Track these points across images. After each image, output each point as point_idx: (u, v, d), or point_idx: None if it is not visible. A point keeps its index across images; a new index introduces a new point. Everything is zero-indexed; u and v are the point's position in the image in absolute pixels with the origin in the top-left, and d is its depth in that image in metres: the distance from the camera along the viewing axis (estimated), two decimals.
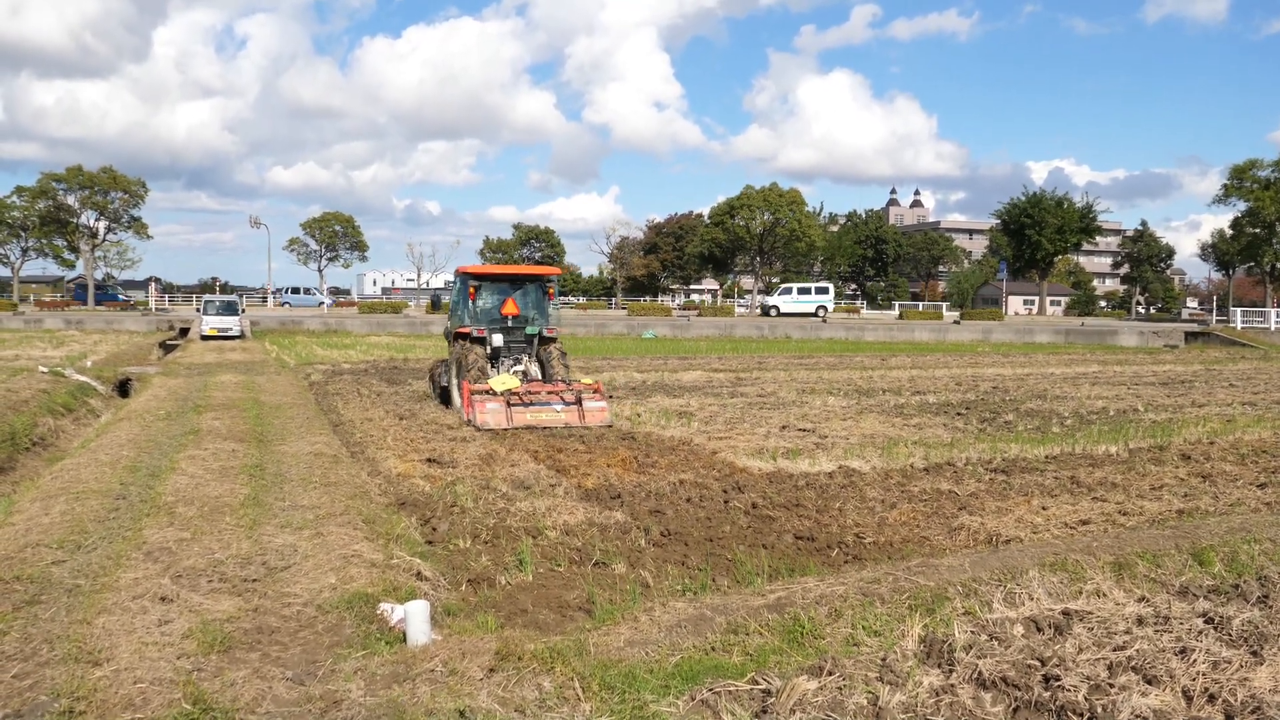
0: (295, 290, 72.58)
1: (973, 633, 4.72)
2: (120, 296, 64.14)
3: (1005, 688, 4.07)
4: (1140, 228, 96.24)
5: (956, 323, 52.38)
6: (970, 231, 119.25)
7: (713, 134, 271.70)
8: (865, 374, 23.34)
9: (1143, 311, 76.44)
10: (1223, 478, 9.81)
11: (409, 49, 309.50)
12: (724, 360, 27.83)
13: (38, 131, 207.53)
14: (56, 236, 61.02)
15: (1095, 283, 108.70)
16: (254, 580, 5.80)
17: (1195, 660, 4.28)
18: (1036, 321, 60.86)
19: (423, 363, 23.41)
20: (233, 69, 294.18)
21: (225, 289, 69.24)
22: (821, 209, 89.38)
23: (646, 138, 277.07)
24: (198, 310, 42.73)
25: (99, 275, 65.62)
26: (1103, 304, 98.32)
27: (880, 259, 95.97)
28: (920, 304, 76.33)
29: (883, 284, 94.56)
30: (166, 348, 34.44)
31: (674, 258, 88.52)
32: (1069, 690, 3.98)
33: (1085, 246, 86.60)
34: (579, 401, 13.57)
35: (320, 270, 74.30)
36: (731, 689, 4.11)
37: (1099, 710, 3.83)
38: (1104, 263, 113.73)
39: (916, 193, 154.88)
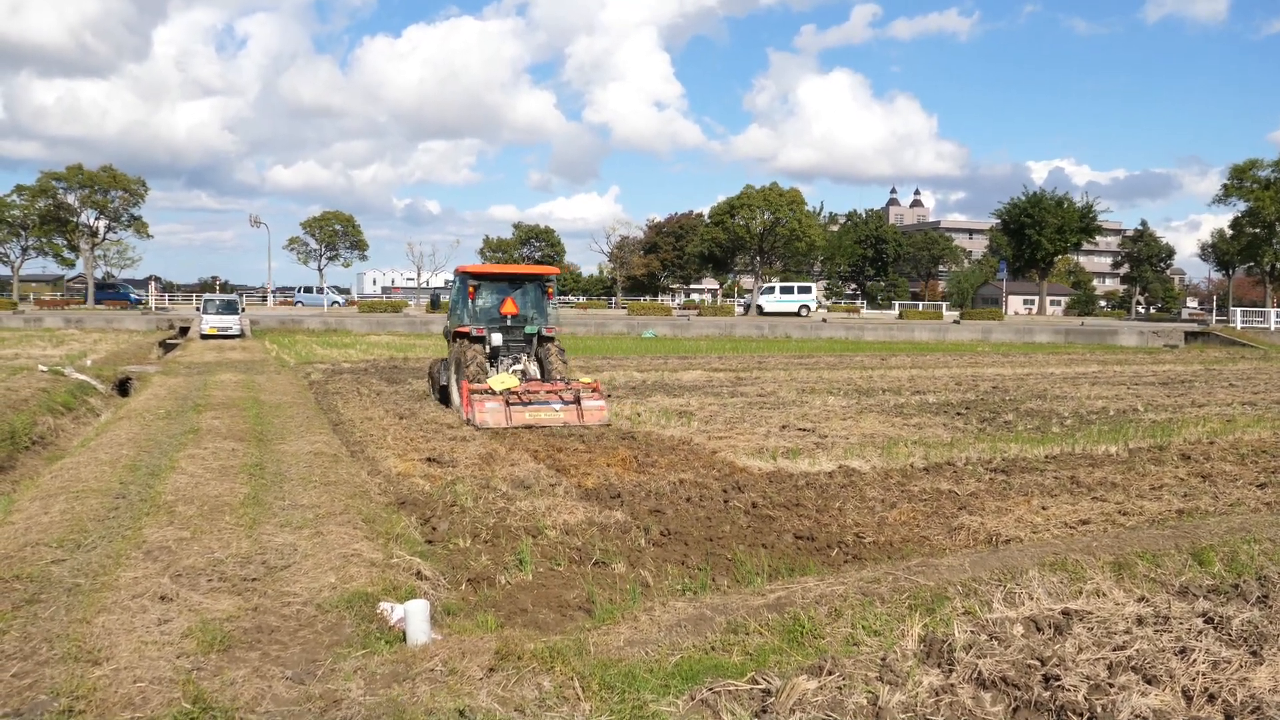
0: (308, 290, 72.76)
1: (972, 632, 4.72)
2: (132, 296, 63.86)
3: (1005, 687, 4.07)
4: (1140, 228, 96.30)
5: (956, 322, 52.38)
6: (970, 231, 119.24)
7: (713, 134, 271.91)
8: (865, 374, 23.34)
9: (1143, 311, 76.46)
10: (1222, 478, 9.81)
11: (409, 48, 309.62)
12: (724, 360, 27.83)
13: (38, 130, 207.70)
14: (56, 235, 61.04)
15: (1095, 282, 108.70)
16: (254, 579, 5.80)
17: (1195, 660, 4.28)
18: (1036, 321, 60.87)
19: (422, 362, 23.41)
20: (233, 68, 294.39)
21: (225, 288, 69.23)
22: (821, 209, 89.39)
23: (647, 137, 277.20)
24: (197, 309, 42.72)
25: (99, 274, 65.63)
26: (1103, 304, 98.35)
27: (880, 259, 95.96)
28: (920, 304, 76.35)
29: (883, 284, 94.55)
30: (166, 347, 34.45)
31: (674, 257, 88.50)
32: (1069, 690, 3.98)
33: (1085, 246, 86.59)
34: (578, 400, 13.59)
35: (320, 269, 74.33)
36: (731, 688, 4.11)
37: (1099, 710, 3.83)
38: (1104, 263, 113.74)
39: (916, 192, 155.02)
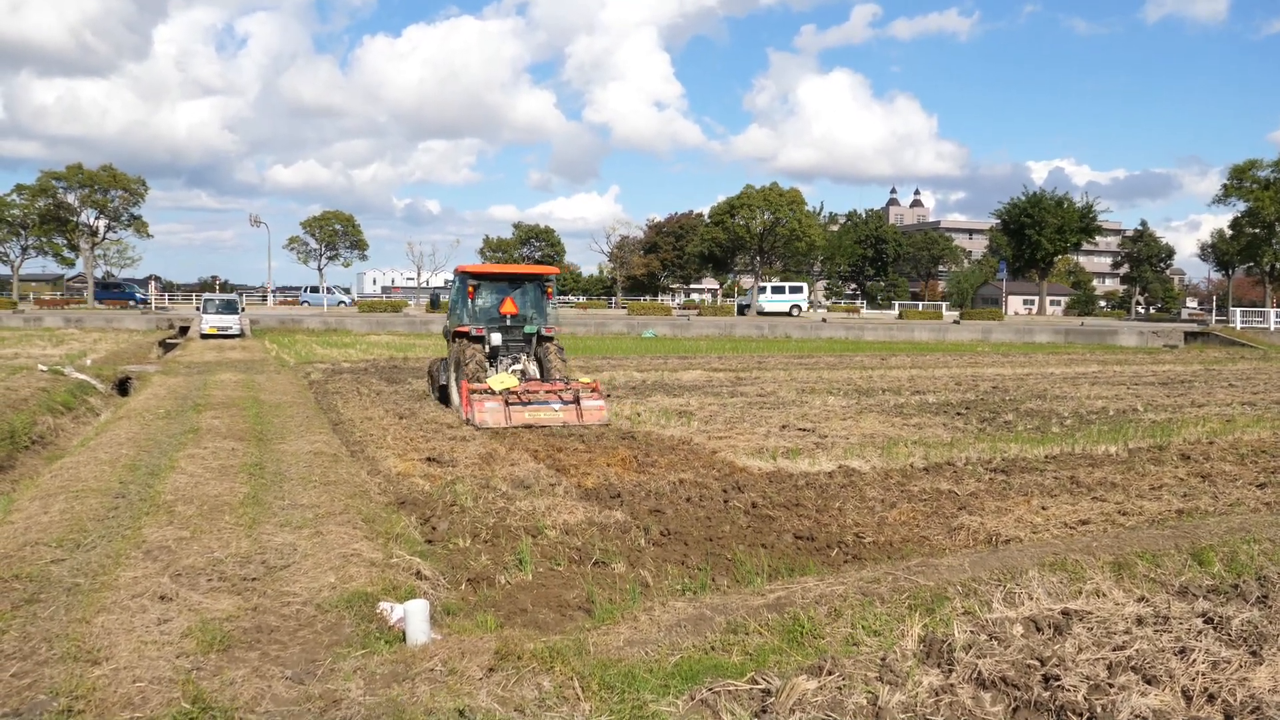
0: (315, 289, 72.86)
1: (972, 632, 4.72)
2: (138, 295, 63.77)
3: (1005, 687, 4.07)
4: (1140, 228, 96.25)
5: (956, 322, 52.39)
6: (970, 231, 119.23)
7: (713, 133, 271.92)
8: (865, 374, 23.34)
9: (1142, 311, 76.46)
10: (1222, 478, 9.81)
11: (409, 48, 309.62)
12: (724, 360, 27.83)
13: (38, 130, 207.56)
14: (56, 235, 61.04)
15: (1095, 283, 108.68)
16: (253, 579, 5.80)
17: (1195, 660, 4.28)
18: (1036, 321, 60.88)
19: (422, 362, 23.40)
20: (233, 68, 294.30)
21: (225, 287, 69.22)
22: (821, 209, 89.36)
23: (647, 137, 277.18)
24: (197, 309, 42.72)
25: (99, 273, 65.61)
26: (1102, 304, 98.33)
27: (880, 259, 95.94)
28: (920, 304, 76.36)
29: (883, 284, 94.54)
30: (166, 346, 34.44)
31: (674, 257, 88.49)
32: (1068, 690, 3.98)
33: (1085, 246, 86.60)
34: (577, 400, 13.60)
35: (320, 269, 74.32)
36: (731, 688, 4.11)
37: (1098, 710, 3.83)
38: (1104, 263, 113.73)
39: (916, 192, 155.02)
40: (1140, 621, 4.89)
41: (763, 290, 63.42)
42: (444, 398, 15.80)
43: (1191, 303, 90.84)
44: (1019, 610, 5.09)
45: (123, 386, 19.63)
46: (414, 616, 4.79)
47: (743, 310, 61.91)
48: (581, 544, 7.09)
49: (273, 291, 70.87)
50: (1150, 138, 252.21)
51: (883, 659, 4.37)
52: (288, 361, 24.69)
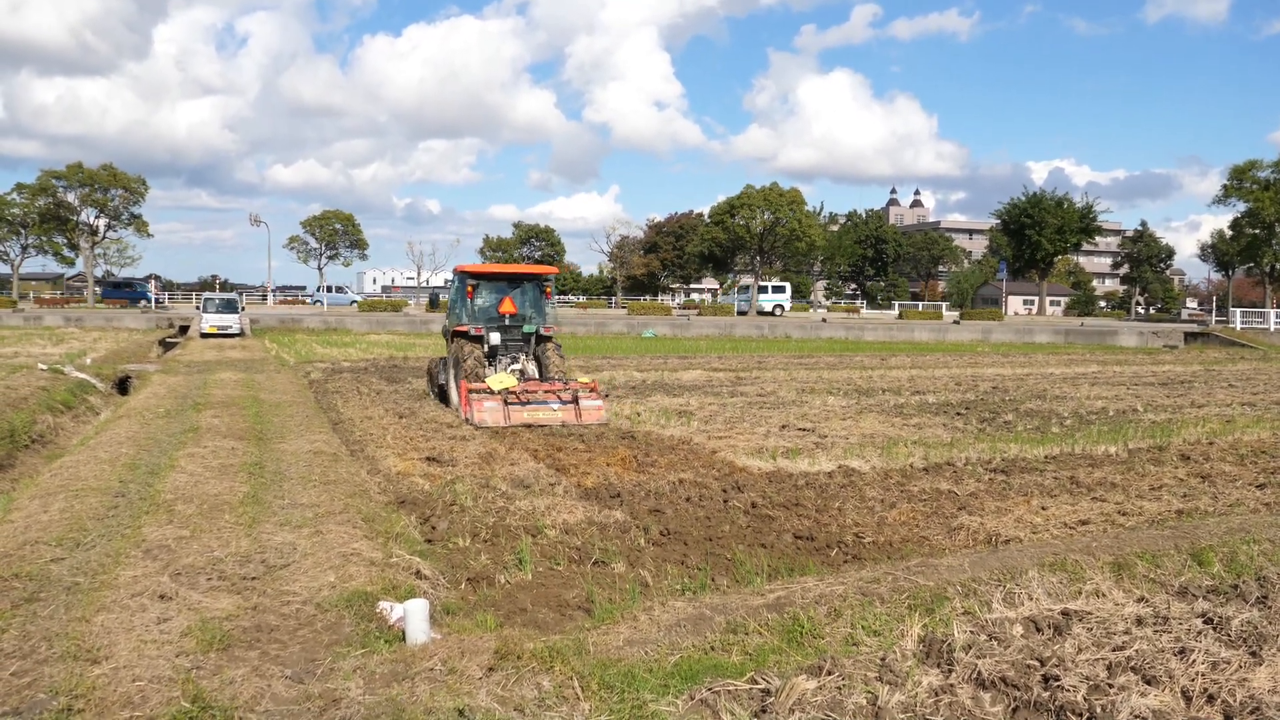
0: (329, 289, 73.12)
1: (972, 633, 4.72)
2: (150, 295, 63.63)
3: (1004, 688, 4.07)
4: (1140, 228, 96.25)
5: (956, 323, 52.39)
6: (970, 231, 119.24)
7: (713, 133, 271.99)
8: (865, 374, 23.34)
9: (1142, 312, 76.48)
10: (1222, 478, 9.81)
11: (409, 47, 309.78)
12: (724, 359, 27.83)
13: (38, 129, 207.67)
14: (56, 234, 61.01)
15: (1095, 283, 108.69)
16: (253, 578, 5.80)
17: (1194, 660, 4.28)
18: (1036, 322, 60.88)
19: (422, 361, 23.40)
20: (233, 67, 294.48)
21: (225, 287, 69.21)
22: (821, 209, 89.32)
23: (647, 137, 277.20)
24: (197, 308, 42.71)
25: (99, 272, 65.58)
26: (1102, 304, 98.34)
27: (880, 259, 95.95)
28: (920, 304, 76.37)
29: (883, 284, 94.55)
30: (166, 345, 34.44)
31: (674, 257, 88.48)
32: (1068, 690, 3.98)
33: (1085, 247, 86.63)
34: (575, 400, 13.61)
35: (320, 269, 74.33)
36: (731, 688, 4.11)
37: (1098, 710, 3.83)
38: (1104, 263, 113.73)
39: (916, 193, 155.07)
40: (1140, 622, 4.90)
41: (745, 290, 63.73)
42: (443, 397, 15.80)
43: (1191, 303, 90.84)
44: (1019, 610, 5.09)
45: (122, 385, 19.62)
46: (414, 616, 4.79)
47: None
48: (581, 544, 7.09)
49: (273, 291, 70.86)
50: (1150, 138, 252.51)
51: (882, 659, 4.37)
52: (287, 361, 24.69)
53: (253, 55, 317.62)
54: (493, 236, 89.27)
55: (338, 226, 73.59)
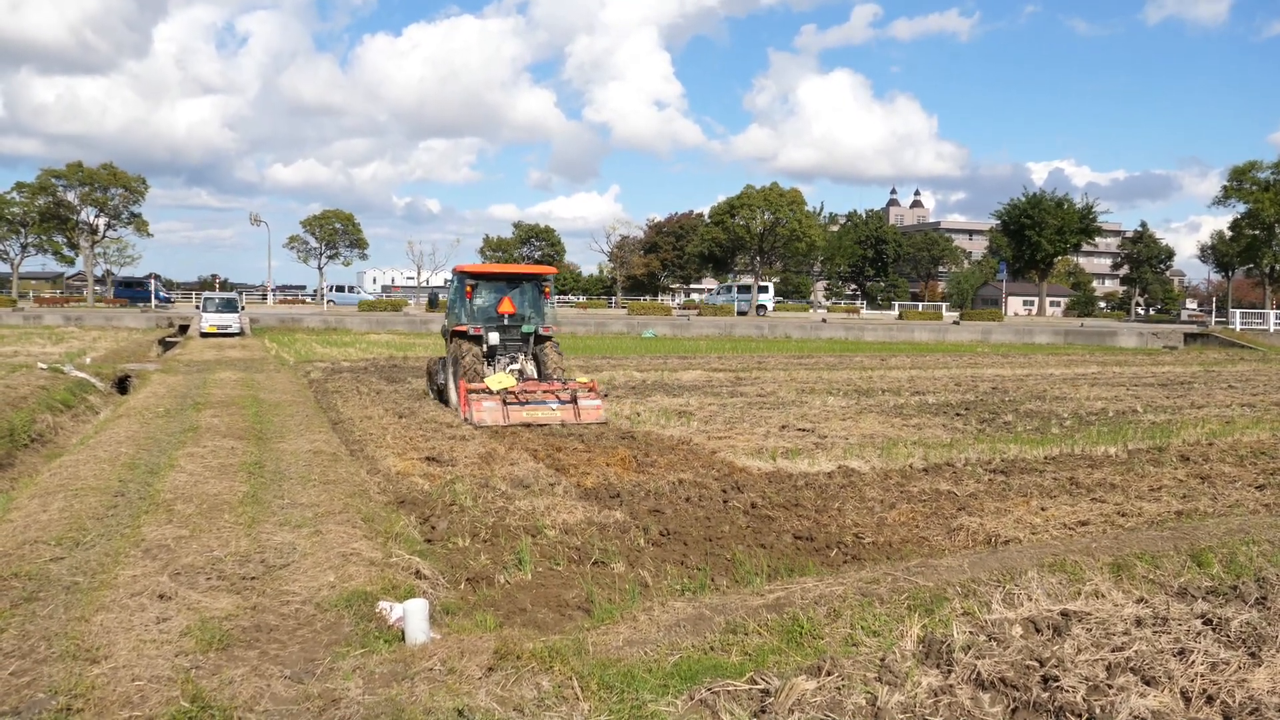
0: (340, 288, 73.38)
1: (971, 633, 4.72)
2: (162, 295, 63.47)
3: (1004, 688, 4.07)
4: (1140, 229, 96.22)
5: (956, 323, 52.40)
6: (970, 232, 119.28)
7: (713, 133, 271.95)
8: (865, 374, 23.34)
9: (1142, 313, 76.53)
10: (1221, 479, 9.81)
11: (409, 47, 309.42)
12: (723, 360, 27.84)
13: (38, 128, 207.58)
14: (56, 233, 61.04)
15: (1095, 284, 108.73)
16: (252, 578, 5.80)
17: (1193, 661, 4.28)
18: (1036, 322, 60.89)
19: (422, 360, 23.40)
20: (233, 66, 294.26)
21: (225, 286, 69.22)
22: (821, 209, 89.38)
23: (647, 137, 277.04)
24: (197, 307, 42.71)
25: (98, 271, 65.58)
26: (1102, 305, 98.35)
27: (880, 259, 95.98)
28: (920, 304, 76.39)
29: (882, 284, 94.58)
30: (166, 345, 34.44)
31: (674, 257, 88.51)
32: (1067, 691, 3.99)
33: (1085, 247, 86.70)
34: (574, 400, 13.63)
35: (320, 268, 74.33)
36: (730, 689, 4.11)
37: (1097, 711, 3.83)
38: (1103, 264, 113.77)
39: (916, 193, 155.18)
40: (1139, 622, 4.90)
41: (728, 290, 63.76)
42: (442, 397, 15.81)
43: (1191, 304, 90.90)
44: (1018, 611, 5.09)
45: (122, 385, 19.62)
46: (413, 616, 4.79)
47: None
48: (581, 544, 7.09)
49: (272, 290, 70.86)
50: (1150, 139, 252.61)
51: (882, 659, 4.37)
52: (287, 360, 24.69)
53: (253, 54, 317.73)
54: (493, 236, 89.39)
55: (337, 226, 73.61)
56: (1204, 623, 4.85)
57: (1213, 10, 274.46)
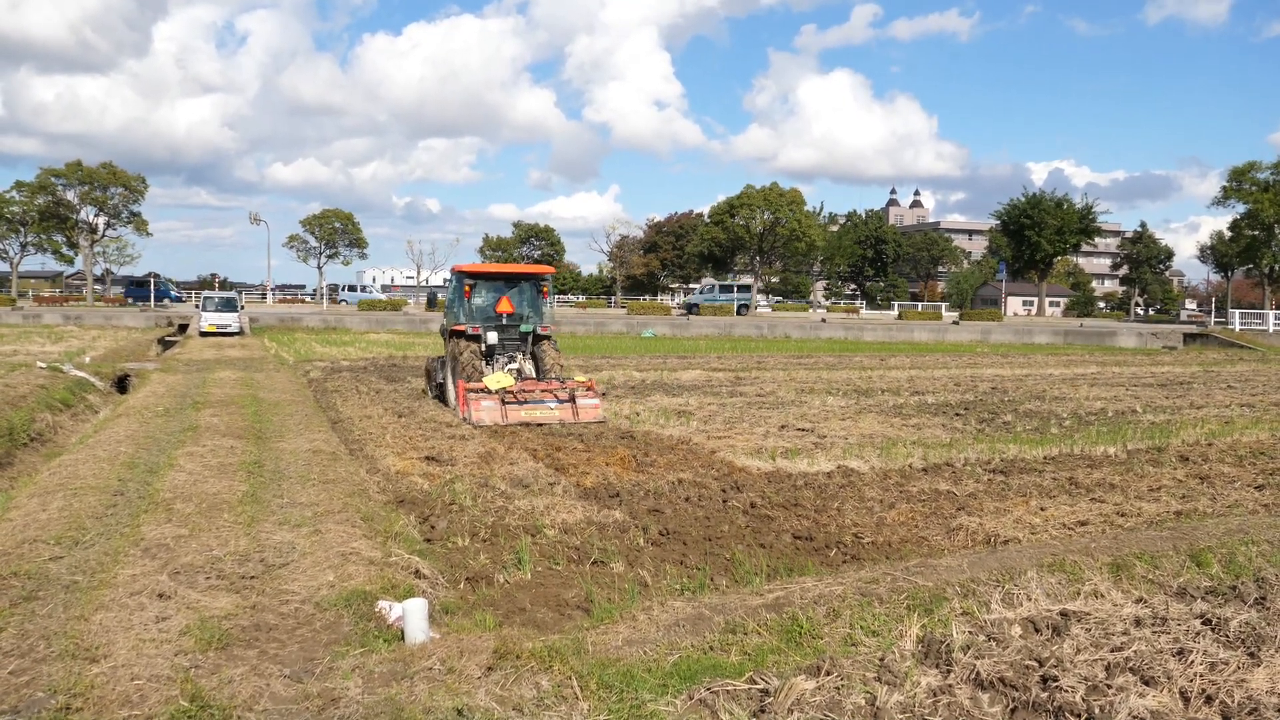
0: (351, 288, 73.72)
1: (971, 633, 4.72)
2: (174, 294, 63.37)
3: (1003, 688, 4.07)
4: (1139, 229, 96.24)
5: (955, 323, 52.41)
6: (970, 232, 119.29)
7: (713, 133, 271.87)
8: (864, 374, 23.34)
9: (1141, 313, 76.56)
10: (1220, 479, 9.81)
11: (409, 46, 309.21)
12: (723, 359, 27.84)
13: (37, 127, 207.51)
14: (55, 232, 61.02)
15: (1094, 284, 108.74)
16: (252, 577, 5.80)
17: (1193, 661, 4.28)
18: (1035, 322, 60.91)
19: (421, 360, 23.40)
20: (233, 65, 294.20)
21: (225, 285, 69.21)
22: (821, 209, 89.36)
23: (647, 137, 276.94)
24: (197, 307, 42.71)
25: (97, 271, 65.55)
26: (1101, 305, 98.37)
27: (880, 259, 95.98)
28: (919, 304, 76.40)
29: (882, 284, 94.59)
30: (165, 344, 34.43)
31: (674, 257, 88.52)
32: (1067, 691, 3.99)
33: (1084, 248, 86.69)
34: (572, 399, 13.65)
35: (320, 267, 74.31)
36: (729, 688, 4.11)
37: (1096, 711, 3.83)
38: (1103, 264, 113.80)
39: (916, 193, 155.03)
40: (1138, 622, 4.90)
41: (710, 290, 63.56)
42: (441, 396, 15.82)
43: (1190, 304, 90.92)
44: (1017, 611, 5.09)
45: (121, 384, 19.62)
46: (412, 615, 4.79)
47: (689, 309, 60.75)
48: (580, 543, 7.09)
49: (272, 289, 70.87)
50: (1150, 139, 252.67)
51: (881, 659, 4.38)
52: (287, 359, 24.69)
53: (253, 53, 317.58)
54: (492, 236, 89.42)
55: (337, 225, 73.62)
56: (1203, 623, 4.86)
57: (1213, 10, 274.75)
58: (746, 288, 65.49)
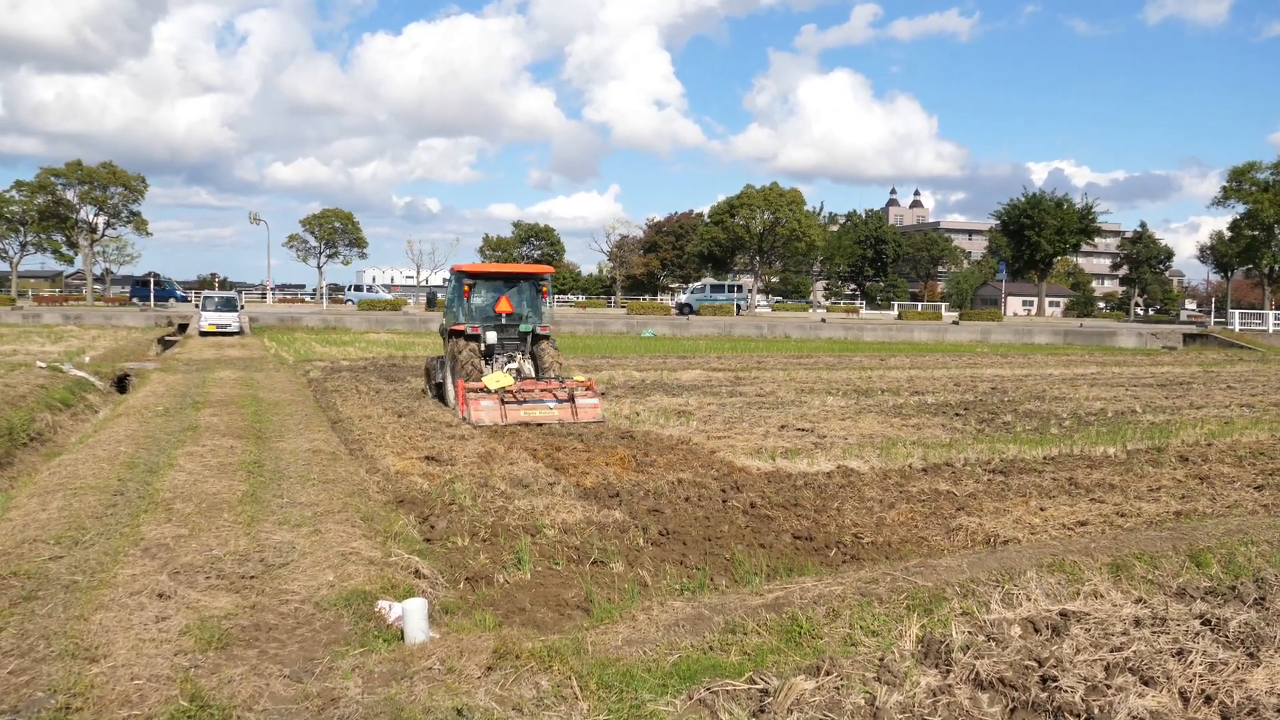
0: (358, 288, 73.87)
1: (970, 633, 4.72)
2: (179, 294, 63.39)
3: (1002, 688, 4.07)
4: (1139, 229, 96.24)
5: (955, 323, 52.41)
6: (970, 232, 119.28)
7: (713, 133, 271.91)
8: (864, 374, 23.34)
9: (1141, 313, 76.56)
10: (1220, 479, 9.82)
11: (409, 46, 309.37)
12: (723, 359, 27.84)
13: (37, 126, 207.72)
14: (55, 231, 61.02)
15: (1094, 284, 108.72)
16: (252, 577, 5.80)
17: (1192, 661, 4.29)
18: (1035, 322, 60.90)
19: (421, 360, 23.40)
20: (233, 65, 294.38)
21: (224, 285, 69.19)
22: (821, 209, 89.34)
23: (647, 136, 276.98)
24: (196, 306, 42.72)
25: (97, 270, 65.53)
26: (1101, 305, 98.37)
27: (880, 259, 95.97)
28: (919, 304, 76.40)
29: (882, 284, 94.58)
30: (165, 344, 34.42)
31: (674, 256, 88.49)
32: (1066, 691, 3.99)
33: (1084, 248, 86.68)
34: (571, 398, 13.66)
35: (320, 267, 74.30)
36: (729, 688, 4.11)
37: (1096, 711, 3.83)
38: (1103, 264, 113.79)
39: (916, 193, 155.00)
40: (1138, 623, 4.90)
41: (701, 290, 63.49)
42: (441, 396, 15.83)
43: (1190, 304, 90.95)
44: (1017, 611, 5.09)
45: (121, 384, 19.62)
46: (412, 615, 4.79)
47: (682, 310, 60.40)
48: (580, 543, 7.10)
49: (271, 289, 70.86)
50: (1150, 139, 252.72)
51: (881, 659, 4.38)
52: (286, 359, 24.68)
53: (253, 53, 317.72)
54: (492, 235, 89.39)
55: (337, 225, 73.61)
56: (1202, 623, 4.86)
57: (1213, 10, 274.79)
58: (736, 287, 65.48)
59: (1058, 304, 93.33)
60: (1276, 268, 59.58)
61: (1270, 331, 45.66)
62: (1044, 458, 10.97)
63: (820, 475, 9.77)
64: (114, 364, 21.82)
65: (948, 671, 4.26)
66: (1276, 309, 52.97)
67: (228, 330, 36.66)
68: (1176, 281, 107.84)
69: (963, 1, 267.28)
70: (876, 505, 8.56)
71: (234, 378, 18.62)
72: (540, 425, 13.14)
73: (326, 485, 8.51)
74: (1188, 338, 44.94)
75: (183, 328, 40.97)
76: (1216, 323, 52.55)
